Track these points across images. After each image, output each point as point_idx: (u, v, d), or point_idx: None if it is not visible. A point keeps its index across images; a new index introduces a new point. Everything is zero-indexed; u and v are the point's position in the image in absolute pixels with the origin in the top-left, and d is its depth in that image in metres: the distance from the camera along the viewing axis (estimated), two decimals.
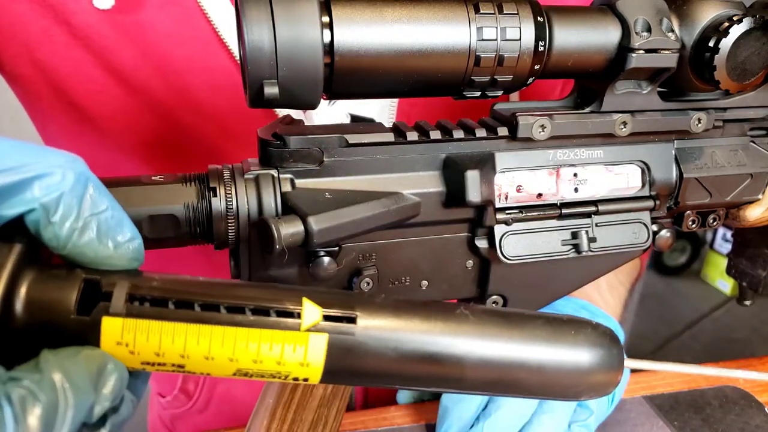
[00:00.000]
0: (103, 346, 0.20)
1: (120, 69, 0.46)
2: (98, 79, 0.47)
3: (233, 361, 0.21)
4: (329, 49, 0.28)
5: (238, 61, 0.44)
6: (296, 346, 0.21)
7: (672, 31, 0.33)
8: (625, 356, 0.28)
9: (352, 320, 0.22)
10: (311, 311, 0.22)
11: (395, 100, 0.51)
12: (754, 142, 0.40)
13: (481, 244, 0.35)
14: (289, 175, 0.31)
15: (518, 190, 0.35)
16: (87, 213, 0.21)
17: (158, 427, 0.68)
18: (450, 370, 0.24)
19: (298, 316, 0.22)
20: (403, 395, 0.53)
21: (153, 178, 0.30)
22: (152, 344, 0.20)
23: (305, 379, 0.22)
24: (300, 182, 0.31)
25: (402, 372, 0.23)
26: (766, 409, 0.52)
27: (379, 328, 0.23)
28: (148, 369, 0.21)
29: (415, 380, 0.24)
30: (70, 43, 0.45)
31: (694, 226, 0.40)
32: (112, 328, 0.20)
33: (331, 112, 0.49)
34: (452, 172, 0.33)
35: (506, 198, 0.35)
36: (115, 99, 0.47)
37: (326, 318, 0.22)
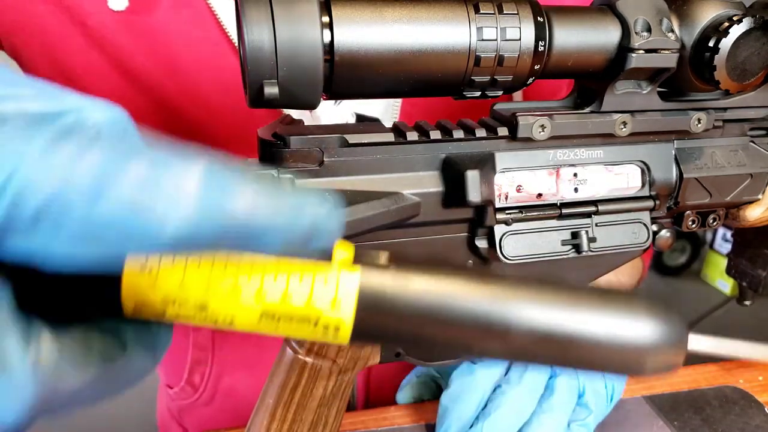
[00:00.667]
0: (125, 276, 0.19)
1: (133, 70, 0.47)
2: (112, 80, 0.47)
3: (261, 297, 0.19)
4: (329, 49, 0.28)
5: None
6: (327, 279, 0.20)
7: (672, 31, 0.33)
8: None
9: (384, 267, 0.21)
10: (343, 248, 0.21)
11: (398, 100, 0.51)
12: (754, 142, 0.40)
13: (481, 244, 0.35)
14: (289, 175, 0.31)
15: (518, 190, 0.35)
16: None
17: (167, 418, 0.69)
18: (493, 333, 0.22)
19: (330, 253, 0.20)
20: (403, 395, 0.53)
21: None
22: (176, 272, 0.19)
23: (336, 329, 0.21)
24: (300, 182, 0.31)
25: (438, 328, 0.21)
26: (766, 409, 0.52)
27: (415, 276, 0.21)
28: (169, 311, 0.19)
29: (452, 337, 0.22)
30: (85, 43, 0.46)
31: (694, 226, 0.40)
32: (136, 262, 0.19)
33: (337, 112, 0.49)
34: (452, 172, 0.33)
35: (506, 198, 0.35)
36: (127, 99, 0.48)
37: (357, 259, 0.21)
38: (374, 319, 0.21)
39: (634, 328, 0.23)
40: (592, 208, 0.36)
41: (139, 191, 0.14)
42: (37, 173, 0.13)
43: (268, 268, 0.20)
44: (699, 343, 0.25)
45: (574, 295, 0.23)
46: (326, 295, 0.20)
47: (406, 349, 0.22)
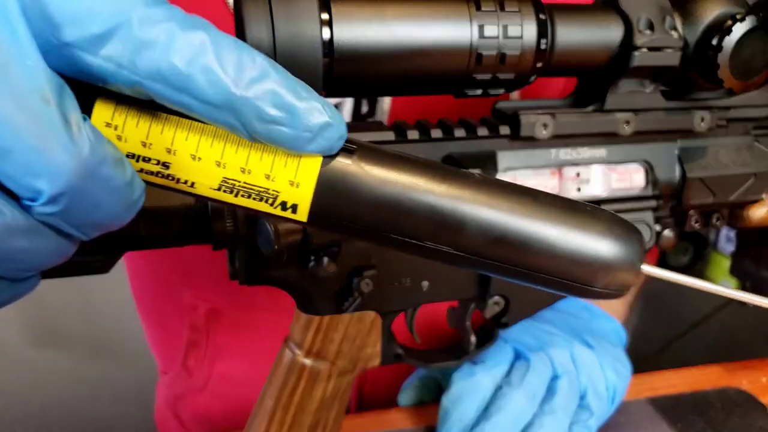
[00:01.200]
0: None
1: None
2: None
3: (221, 166, 0.20)
4: (329, 46, 0.27)
5: None
6: (288, 161, 0.20)
7: (675, 29, 0.33)
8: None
9: (350, 152, 0.21)
10: None
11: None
12: (757, 142, 0.40)
13: None
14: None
15: None
16: None
17: (164, 411, 0.69)
18: (448, 229, 0.21)
19: None
20: (405, 397, 0.53)
21: None
22: (141, 131, 0.19)
23: (293, 207, 0.21)
24: None
25: (394, 219, 0.21)
26: None
27: (378, 166, 0.21)
28: (133, 166, 0.20)
29: (406, 232, 0.22)
30: None
31: (697, 225, 0.40)
32: (104, 107, 0.19)
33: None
34: None
35: None
36: None
37: None
38: (332, 203, 0.21)
39: (591, 241, 0.22)
40: None
41: (203, 55, 0.18)
42: (136, 17, 0.17)
43: (230, 141, 0.20)
44: (652, 270, 0.25)
45: (536, 200, 0.22)
46: (285, 174, 0.20)
47: (362, 238, 0.22)
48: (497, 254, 0.22)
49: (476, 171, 0.32)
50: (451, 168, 0.22)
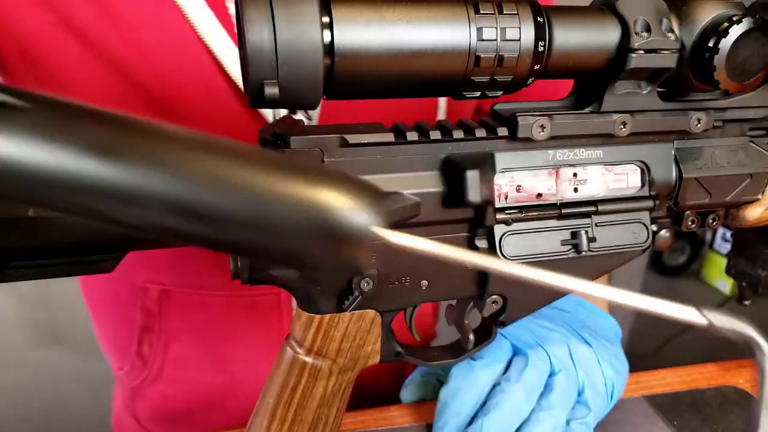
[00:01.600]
0: None
1: (79, 26, 0.46)
2: (59, 38, 0.46)
3: None
4: (329, 49, 0.28)
5: (189, 21, 0.45)
6: None
7: (672, 31, 0.33)
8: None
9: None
10: None
11: None
12: (753, 142, 0.40)
13: (481, 244, 0.35)
14: None
15: (518, 190, 0.35)
16: None
17: (121, 415, 0.68)
18: (119, 200, 0.17)
19: None
20: (407, 393, 0.53)
21: None
22: None
23: None
24: None
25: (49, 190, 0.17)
26: None
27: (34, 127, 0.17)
28: None
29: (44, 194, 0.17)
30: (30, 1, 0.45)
31: (693, 226, 0.40)
32: None
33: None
34: (452, 172, 0.33)
35: (506, 198, 0.35)
36: (77, 59, 0.47)
37: None
38: None
39: (302, 206, 0.18)
40: (592, 208, 0.36)
41: None
42: None
43: None
44: (397, 238, 0.21)
45: (236, 159, 0.18)
46: None
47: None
48: (178, 224, 0.18)
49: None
50: (133, 118, 0.18)
